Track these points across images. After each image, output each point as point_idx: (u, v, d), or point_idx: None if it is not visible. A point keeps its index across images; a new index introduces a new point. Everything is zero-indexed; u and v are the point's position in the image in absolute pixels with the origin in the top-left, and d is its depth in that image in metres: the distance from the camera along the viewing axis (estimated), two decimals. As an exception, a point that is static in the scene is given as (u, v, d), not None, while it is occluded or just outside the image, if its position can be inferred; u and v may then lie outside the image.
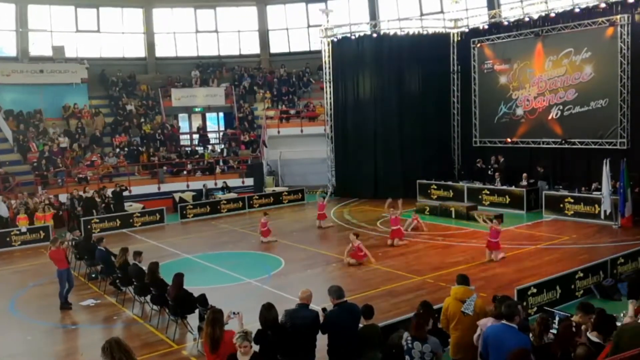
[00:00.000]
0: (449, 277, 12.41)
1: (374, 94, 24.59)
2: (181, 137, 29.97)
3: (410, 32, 24.10)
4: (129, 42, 31.87)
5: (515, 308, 6.33)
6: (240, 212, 23.06)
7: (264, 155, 27.73)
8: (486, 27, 22.86)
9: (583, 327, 6.69)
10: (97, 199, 21.01)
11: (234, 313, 6.95)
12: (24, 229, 18.60)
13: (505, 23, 22.11)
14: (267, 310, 6.78)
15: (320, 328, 7.07)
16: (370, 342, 6.97)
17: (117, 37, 31.47)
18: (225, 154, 27.75)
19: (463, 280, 7.54)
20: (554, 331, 7.20)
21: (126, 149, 26.12)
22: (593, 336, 6.24)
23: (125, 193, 22.56)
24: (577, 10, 19.78)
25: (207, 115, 32.16)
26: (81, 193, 20.99)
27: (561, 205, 18.75)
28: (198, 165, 26.49)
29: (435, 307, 9.05)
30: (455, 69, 24.26)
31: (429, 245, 16.05)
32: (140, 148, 26.37)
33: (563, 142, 20.56)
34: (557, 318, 7.98)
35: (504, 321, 6.26)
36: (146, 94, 30.49)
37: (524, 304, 9.36)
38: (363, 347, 6.96)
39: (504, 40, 22.15)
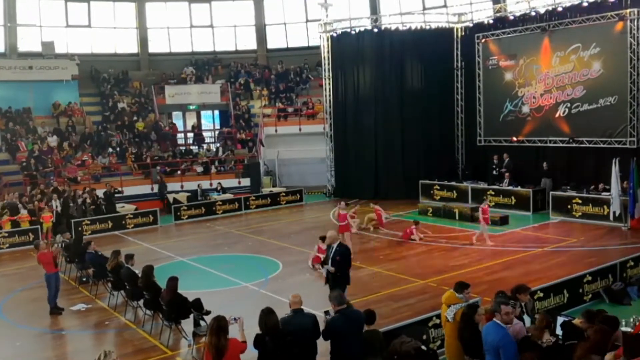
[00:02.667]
0: (453, 280, 12.31)
1: (374, 91, 24.59)
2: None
3: (413, 27, 24.09)
4: (121, 38, 31.86)
5: (496, 305, 6.70)
6: (237, 214, 23.07)
7: (261, 154, 27.73)
8: (491, 21, 22.88)
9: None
10: (88, 200, 20.98)
11: (234, 319, 6.86)
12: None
13: (511, 17, 22.11)
14: (267, 315, 6.75)
15: (322, 335, 7.07)
16: (371, 348, 6.97)
17: (109, 33, 31.45)
18: (220, 154, 27.76)
19: (456, 286, 7.73)
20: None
21: (118, 148, 26.10)
22: None
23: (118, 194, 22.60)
24: (585, 4, 19.79)
25: (202, 113, 32.18)
26: (79, 192, 21.06)
27: (569, 207, 18.76)
28: (192, 165, 26.51)
29: (438, 311, 9.09)
30: (459, 65, 24.26)
31: (432, 248, 16.06)
32: (131, 148, 26.31)
33: (570, 141, 20.56)
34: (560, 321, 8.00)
35: (494, 318, 6.66)
36: (139, 91, 30.48)
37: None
38: (364, 353, 6.96)
39: (509, 35, 22.15)
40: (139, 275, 11.15)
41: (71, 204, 20.58)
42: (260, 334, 6.74)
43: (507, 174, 21.19)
